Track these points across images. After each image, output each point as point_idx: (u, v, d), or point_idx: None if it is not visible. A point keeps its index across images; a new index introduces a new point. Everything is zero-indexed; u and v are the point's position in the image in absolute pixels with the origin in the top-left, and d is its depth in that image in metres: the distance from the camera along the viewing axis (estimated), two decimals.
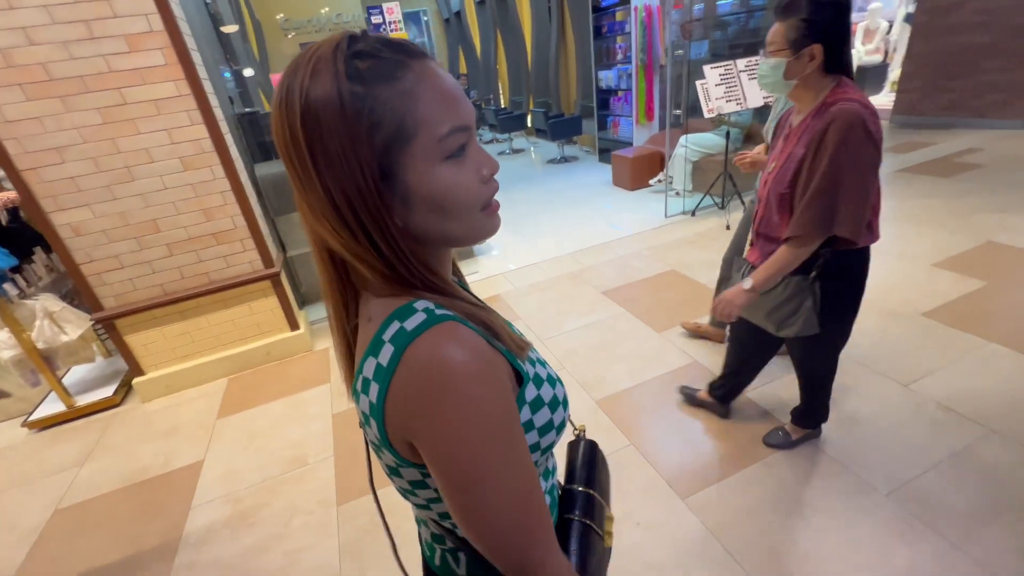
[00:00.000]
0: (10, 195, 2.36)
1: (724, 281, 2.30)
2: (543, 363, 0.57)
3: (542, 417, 0.52)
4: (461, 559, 0.58)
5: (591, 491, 0.65)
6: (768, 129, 1.97)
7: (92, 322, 2.51)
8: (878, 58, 7.29)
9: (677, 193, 4.53)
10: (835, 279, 1.32)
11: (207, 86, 2.38)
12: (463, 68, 11.66)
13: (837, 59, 1.16)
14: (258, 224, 2.61)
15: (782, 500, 1.62)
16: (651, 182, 5.10)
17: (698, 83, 3.61)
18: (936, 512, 1.51)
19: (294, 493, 1.94)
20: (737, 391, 1.89)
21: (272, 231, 3.15)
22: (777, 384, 2.12)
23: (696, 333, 2.53)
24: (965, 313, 2.40)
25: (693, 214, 4.22)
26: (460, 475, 0.43)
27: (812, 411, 1.73)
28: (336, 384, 2.60)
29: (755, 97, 3.58)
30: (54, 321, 2.51)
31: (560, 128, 6.66)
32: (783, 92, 1.24)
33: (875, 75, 7.32)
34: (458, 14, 11.02)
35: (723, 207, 4.20)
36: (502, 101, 10.44)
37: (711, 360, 2.34)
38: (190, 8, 2.61)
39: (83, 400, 2.66)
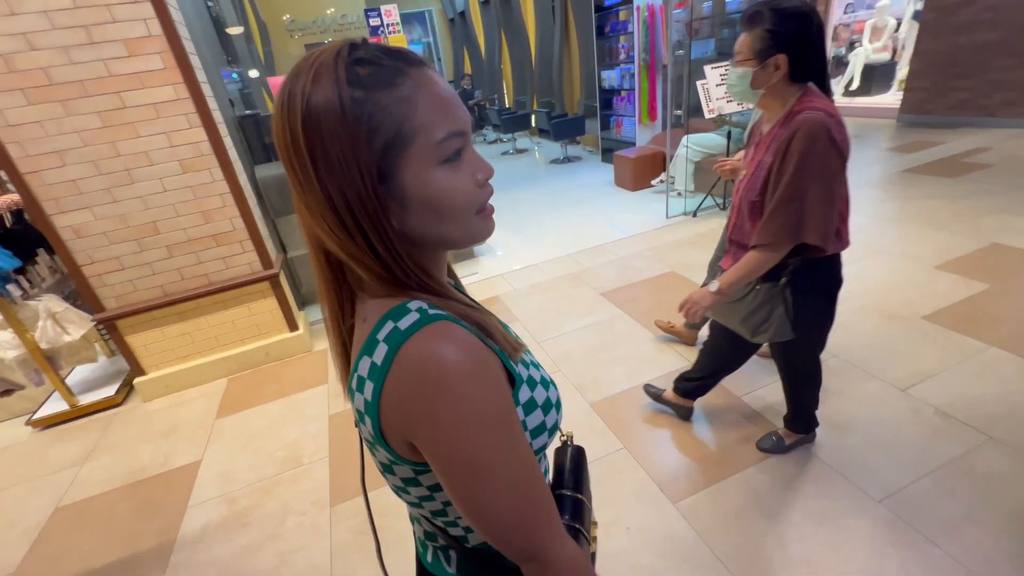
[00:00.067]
0: (14, 197, 2.40)
1: None
2: (537, 365, 0.58)
3: (534, 419, 0.53)
4: (452, 557, 0.60)
5: (579, 495, 0.66)
6: (745, 136, 1.97)
7: (94, 323, 2.54)
8: (886, 56, 7.20)
9: (679, 193, 4.51)
10: (805, 286, 1.34)
11: (206, 89, 2.40)
12: (467, 68, 11.66)
13: (803, 68, 1.18)
14: (257, 226, 2.63)
15: (773, 506, 1.61)
16: (653, 182, 5.08)
17: (699, 83, 3.59)
18: (930, 520, 1.49)
19: (288, 494, 1.96)
20: (705, 390, 1.89)
21: (272, 232, 3.18)
22: (771, 388, 2.10)
23: (669, 333, 2.53)
24: (967, 316, 2.37)
25: (694, 215, 4.19)
26: (460, 472, 0.44)
27: (800, 415, 1.72)
28: (333, 385, 2.62)
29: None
30: (57, 322, 2.55)
31: (563, 128, 6.65)
32: (752, 101, 1.26)
33: (883, 73, 7.23)
34: (462, 14, 11.02)
35: (724, 208, 4.17)
36: (506, 101, 10.43)
37: None
38: (190, 11, 2.63)
39: (86, 399, 2.70)
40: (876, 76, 7.26)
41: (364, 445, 0.58)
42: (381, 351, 0.45)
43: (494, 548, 0.54)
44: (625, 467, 1.84)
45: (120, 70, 2.16)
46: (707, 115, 3.60)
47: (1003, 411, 1.82)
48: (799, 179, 1.15)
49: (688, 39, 4.09)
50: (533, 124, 8.36)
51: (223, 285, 2.63)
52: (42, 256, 2.71)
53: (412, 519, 0.64)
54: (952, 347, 2.19)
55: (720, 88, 3.53)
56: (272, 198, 3.16)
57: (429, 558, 0.62)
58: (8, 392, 1.39)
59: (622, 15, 5.64)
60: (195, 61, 2.35)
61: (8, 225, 2.54)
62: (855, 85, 7.44)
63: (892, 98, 6.92)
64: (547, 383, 0.57)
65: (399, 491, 0.54)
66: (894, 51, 7.19)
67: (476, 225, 0.49)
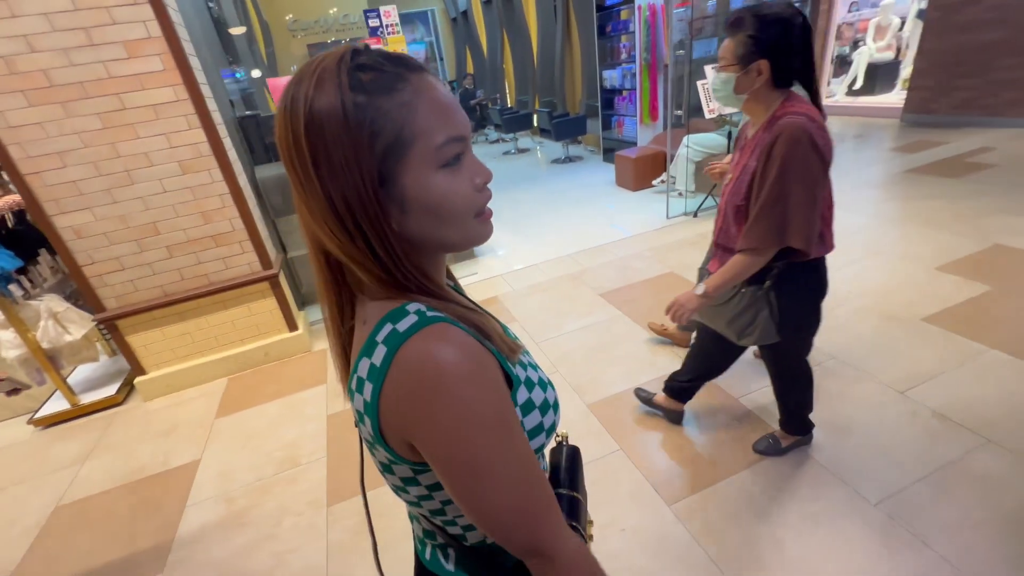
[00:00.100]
0: (15, 198, 2.42)
1: None
2: (535, 367, 0.59)
3: (532, 420, 0.54)
4: (450, 554, 0.61)
5: (575, 494, 0.67)
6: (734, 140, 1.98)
7: (94, 322, 2.56)
8: (890, 55, 7.15)
9: (680, 194, 4.50)
10: (789, 289, 1.36)
11: (206, 90, 2.41)
12: (470, 68, 11.65)
13: (785, 74, 1.19)
14: (256, 226, 2.64)
15: (768, 508, 1.61)
16: (654, 183, 5.07)
17: (699, 83, 3.58)
18: (926, 523, 1.48)
19: (286, 494, 1.97)
20: (693, 393, 1.90)
21: (272, 232, 3.19)
22: (767, 390, 2.06)
23: (662, 335, 2.52)
24: (967, 318, 2.36)
25: (695, 215, 4.18)
26: (460, 472, 0.45)
27: (792, 417, 1.72)
28: (332, 385, 2.63)
29: None
30: (58, 321, 2.57)
31: (564, 128, 6.64)
32: (736, 106, 1.28)
33: (886, 72, 7.19)
34: (465, 13, 11.02)
35: None
36: (508, 100, 10.43)
37: None
38: (190, 13, 2.64)
39: (87, 398, 2.72)
40: (880, 75, 7.21)
41: (364, 445, 0.58)
42: (380, 353, 0.46)
43: (492, 546, 0.59)
44: (621, 468, 1.84)
45: (120, 72, 2.17)
46: (707, 115, 3.59)
47: (1002, 414, 1.81)
48: (782, 183, 1.17)
49: (689, 38, 4.08)
50: (535, 124, 8.36)
51: (223, 285, 2.65)
52: (43, 256, 2.73)
53: (411, 517, 0.65)
54: (952, 349, 2.17)
55: None
56: (272, 198, 3.18)
57: (427, 556, 0.63)
58: (15, 391, 1.41)
59: (623, 14, 5.63)
60: (194, 62, 2.36)
61: (10, 225, 2.56)
62: (859, 84, 7.40)
63: (896, 97, 6.88)
64: (545, 384, 0.57)
65: (398, 490, 0.55)
66: (898, 50, 7.14)
67: (475, 228, 0.50)
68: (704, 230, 3.89)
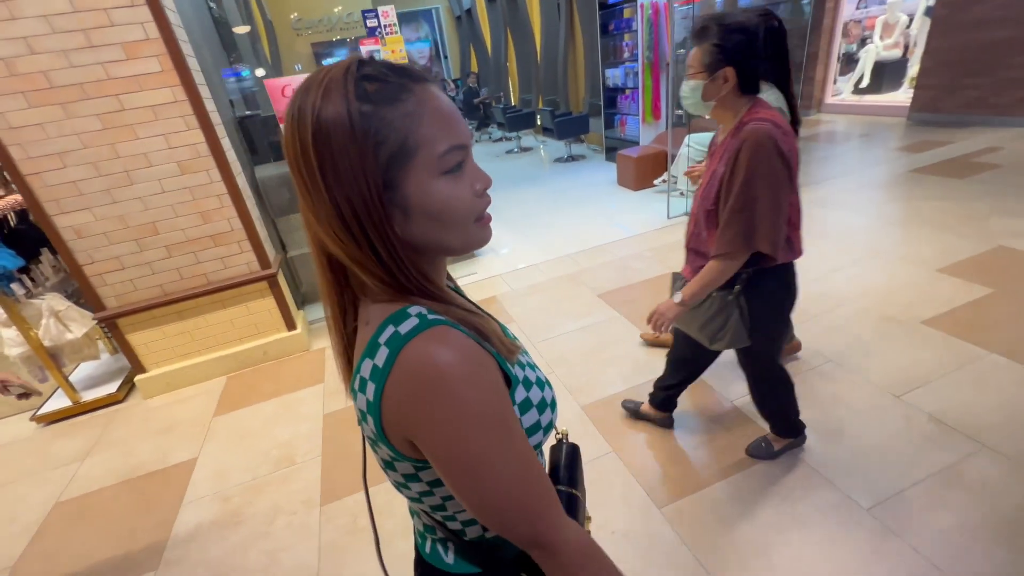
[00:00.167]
0: (17, 198, 2.45)
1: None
2: (533, 366, 0.61)
3: (529, 419, 0.55)
4: (450, 548, 0.63)
5: (574, 491, 0.68)
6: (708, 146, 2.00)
7: (95, 321, 2.59)
8: (897, 53, 7.07)
9: (681, 193, 4.47)
10: (758, 294, 1.38)
11: (204, 91, 2.43)
12: (474, 66, 11.65)
13: (751, 80, 1.21)
14: (255, 226, 2.65)
15: (759, 512, 1.60)
16: (655, 182, 5.05)
17: None
18: (918, 529, 1.47)
19: (280, 493, 1.98)
20: (676, 399, 1.93)
21: (272, 232, 3.21)
22: None
23: (656, 343, 2.51)
24: (967, 321, 2.33)
25: None
26: (460, 470, 0.47)
27: (778, 421, 1.72)
28: (329, 384, 2.64)
29: None
30: (60, 320, 2.60)
31: (566, 127, 6.63)
32: (705, 113, 1.29)
33: (893, 71, 7.11)
34: (469, 12, 11.01)
35: None
36: (512, 99, 10.42)
37: None
38: (189, 13, 2.66)
39: (88, 396, 2.75)
40: (887, 73, 7.13)
41: (366, 443, 0.60)
42: (382, 354, 0.47)
43: (491, 541, 0.61)
44: (613, 471, 1.84)
45: (118, 73, 2.19)
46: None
47: (998, 420, 1.79)
48: (748, 189, 1.19)
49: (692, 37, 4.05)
50: (538, 122, 8.35)
51: (221, 285, 2.67)
52: (45, 255, 2.77)
53: (412, 513, 0.67)
54: (950, 353, 2.15)
55: None
56: (272, 198, 3.19)
57: (427, 549, 0.65)
58: (26, 395, 1.44)
59: (626, 13, 5.60)
60: (193, 63, 2.38)
61: (12, 225, 2.59)
62: (865, 82, 7.33)
63: (903, 96, 6.80)
64: (542, 383, 0.60)
65: (400, 487, 0.57)
66: (906, 48, 7.06)
67: (475, 233, 0.52)
68: None
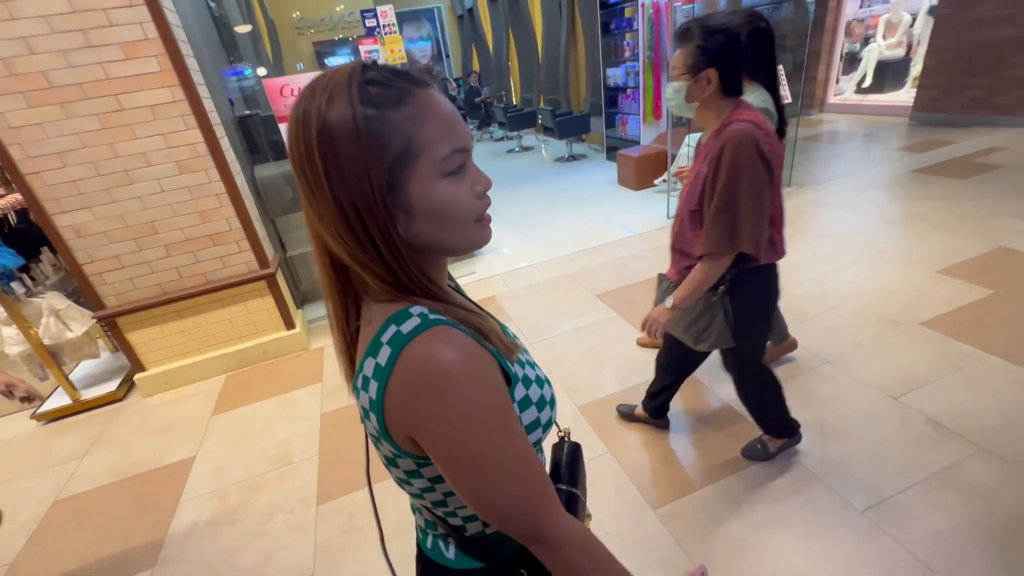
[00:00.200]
0: (17, 197, 2.46)
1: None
2: (532, 364, 0.62)
3: (529, 416, 0.57)
4: (451, 544, 0.64)
5: (574, 489, 0.70)
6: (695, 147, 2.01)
7: (95, 320, 2.60)
8: (900, 52, 7.03)
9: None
10: (741, 295, 1.39)
11: (203, 91, 2.43)
12: (476, 65, 11.64)
13: (734, 82, 1.22)
14: (253, 226, 2.66)
15: (754, 513, 1.60)
16: (656, 182, 5.04)
17: None
18: (913, 531, 1.47)
19: (277, 491, 1.99)
20: (668, 402, 1.94)
21: (271, 231, 3.22)
22: None
23: (653, 347, 2.50)
24: (967, 323, 2.32)
25: None
26: (460, 467, 0.48)
27: (769, 422, 1.71)
28: (327, 384, 2.65)
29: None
30: (60, 318, 2.61)
31: (567, 126, 6.62)
32: (689, 113, 1.30)
33: (896, 70, 7.06)
34: (471, 11, 10.99)
35: None
36: (514, 98, 10.41)
37: None
38: (188, 13, 2.66)
39: (88, 394, 2.77)
40: (889, 73, 7.09)
41: (369, 440, 0.61)
42: (385, 353, 0.48)
43: (491, 537, 0.62)
44: (608, 471, 1.84)
45: (117, 73, 2.19)
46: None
47: (996, 422, 1.78)
48: (730, 189, 1.20)
49: None
50: (539, 122, 8.34)
51: (220, 284, 2.67)
52: (45, 254, 2.78)
53: (413, 509, 0.68)
54: (949, 355, 2.14)
55: None
56: (271, 197, 3.20)
57: (429, 545, 0.66)
58: (28, 399, 1.46)
59: (627, 12, 5.58)
60: (192, 63, 2.38)
61: (13, 223, 2.60)
62: (868, 82, 7.29)
63: (906, 95, 6.76)
64: (542, 381, 0.61)
65: (402, 483, 0.58)
66: (909, 47, 7.02)
67: (475, 233, 0.53)
68: None
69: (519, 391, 0.56)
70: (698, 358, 1.74)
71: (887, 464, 1.69)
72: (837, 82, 7.75)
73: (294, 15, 9.52)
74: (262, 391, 2.67)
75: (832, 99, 7.78)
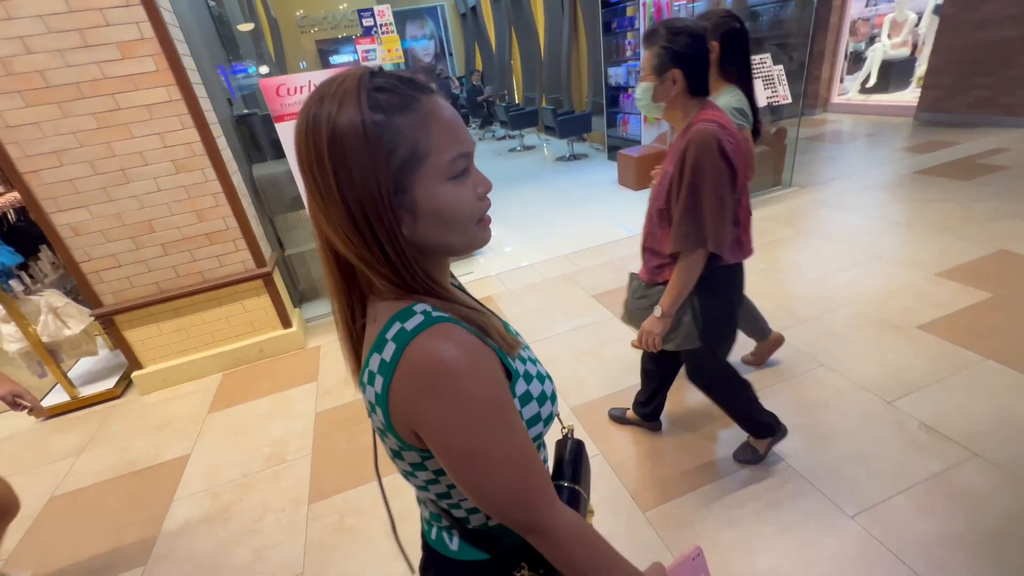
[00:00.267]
0: (16, 196, 2.47)
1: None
2: (534, 361, 0.63)
3: (529, 411, 0.58)
4: (454, 535, 0.66)
5: (576, 486, 0.71)
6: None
7: (93, 317, 2.62)
8: (905, 52, 6.98)
9: None
10: (707, 294, 1.40)
11: (200, 90, 2.44)
12: (479, 64, 11.62)
13: (700, 83, 1.24)
14: (250, 225, 2.67)
15: (744, 517, 1.59)
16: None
17: None
18: (902, 537, 1.46)
19: (269, 490, 2.00)
20: (659, 409, 1.94)
21: (270, 230, 3.23)
22: None
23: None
24: (964, 326, 2.30)
25: None
26: (460, 459, 0.50)
27: (748, 422, 1.70)
28: (323, 382, 2.66)
29: (759, 96, 3.47)
30: (58, 316, 2.63)
31: (568, 125, 6.60)
32: (657, 114, 1.31)
33: (901, 70, 7.01)
34: (474, 9, 10.98)
35: None
36: (516, 97, 10.39)
37: None
38: (186, 13, 2.67)
39: (86, 391, 2.79)
40: (894, 72, 7.04)
41: (376, 434, 0.63)
42: (390, 349, 0.50)
43: (493, 529, 0.64)
44: (599, 473, 1.84)
45: (114, 72, 2.20)
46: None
47: (990, 427, 1.77)
48: (694, 189, 1.21)
49: None
50: (540, 121, 8.32)
51: (217, 282, 2.69)
52: (44, 252, 2.80)
53: (419, 501, 0.70)
54: (945, 358, 2.13)
55: None
56: (270, 196, 3.20)
57: (433, 536, 0.68)
58: (30, 410, 1.48)
59: (629, 11, 5.56)
60: (188, 63, 2.39)
61: (12, 221, 2.62)
62: (872, 82, 7.24)
63: (910, 95, 6.71)
64: (542, 377, 0.62)
65: (407, 475, 0.60)
66: (914, 46, 6.97)
67: (476, 234, 0.55)
68: None
69: (520, 386, 0.58)
70: (676, 362, 1.74)
71: (879, 469, 1.68)
72: (841, 81, 7.69)
73: (297, 13, 9.54)
74: (258, 389, 2.68)
75: (836, 99, 7.73)
